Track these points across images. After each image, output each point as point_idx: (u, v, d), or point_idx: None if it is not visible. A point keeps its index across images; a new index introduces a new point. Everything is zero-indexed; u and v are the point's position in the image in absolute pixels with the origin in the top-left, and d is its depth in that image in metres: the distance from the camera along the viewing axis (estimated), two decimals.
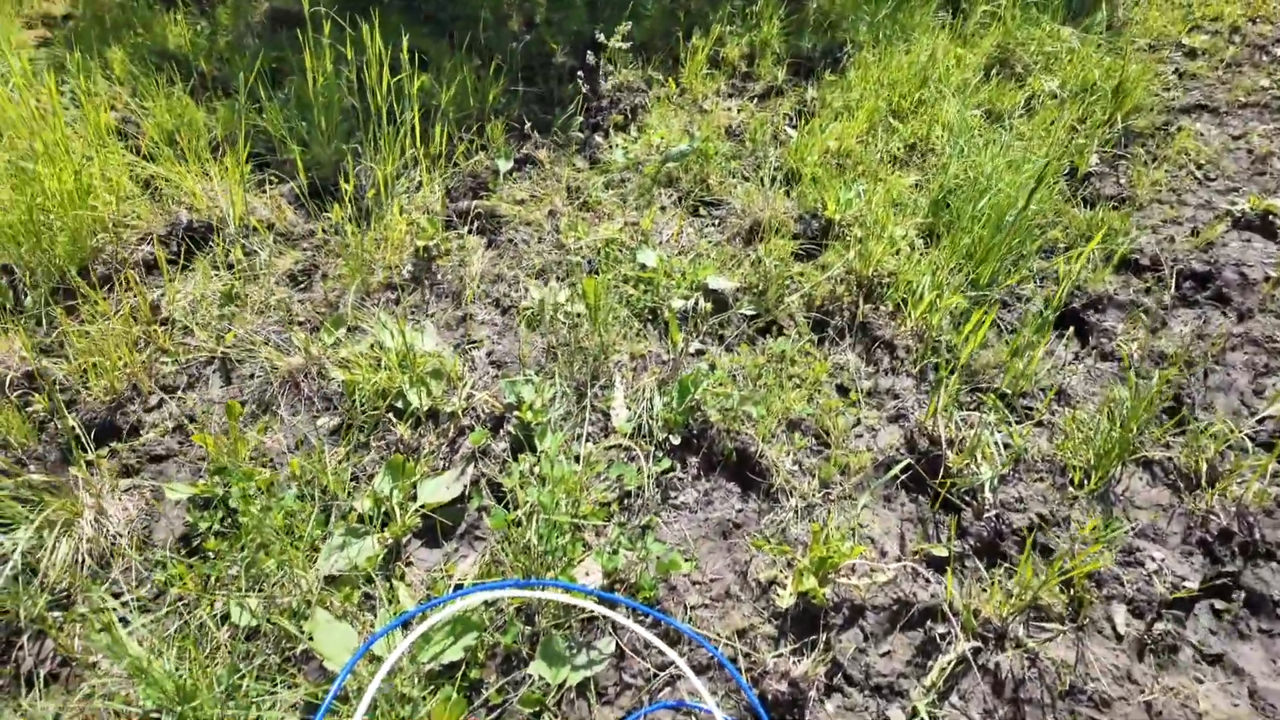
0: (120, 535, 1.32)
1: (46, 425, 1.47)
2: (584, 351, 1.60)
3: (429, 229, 1.86)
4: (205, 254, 1.82)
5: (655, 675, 1.15)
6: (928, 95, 2.43)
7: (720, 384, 1.51)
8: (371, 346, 1.56)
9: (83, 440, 1.45)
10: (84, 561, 1.28)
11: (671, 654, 1.03)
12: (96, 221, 1.80)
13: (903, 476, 1.45)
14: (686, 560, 1.26)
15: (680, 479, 1.44)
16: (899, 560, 1.32)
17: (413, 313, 1.72)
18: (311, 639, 1.07)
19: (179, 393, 1.55)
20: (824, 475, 1.43)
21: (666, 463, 1.40)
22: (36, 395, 1.51)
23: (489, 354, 1.63)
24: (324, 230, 1.91)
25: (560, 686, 1.10)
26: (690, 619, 1.22)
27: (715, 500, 1.41)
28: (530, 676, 1.12)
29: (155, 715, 1.02)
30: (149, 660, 1.02)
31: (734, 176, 2.15)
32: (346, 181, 1.94)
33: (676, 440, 1.46)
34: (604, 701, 1.12)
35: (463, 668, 1.11)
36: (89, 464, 1.42)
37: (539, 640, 1.13)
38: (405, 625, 1.13)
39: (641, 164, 2.17)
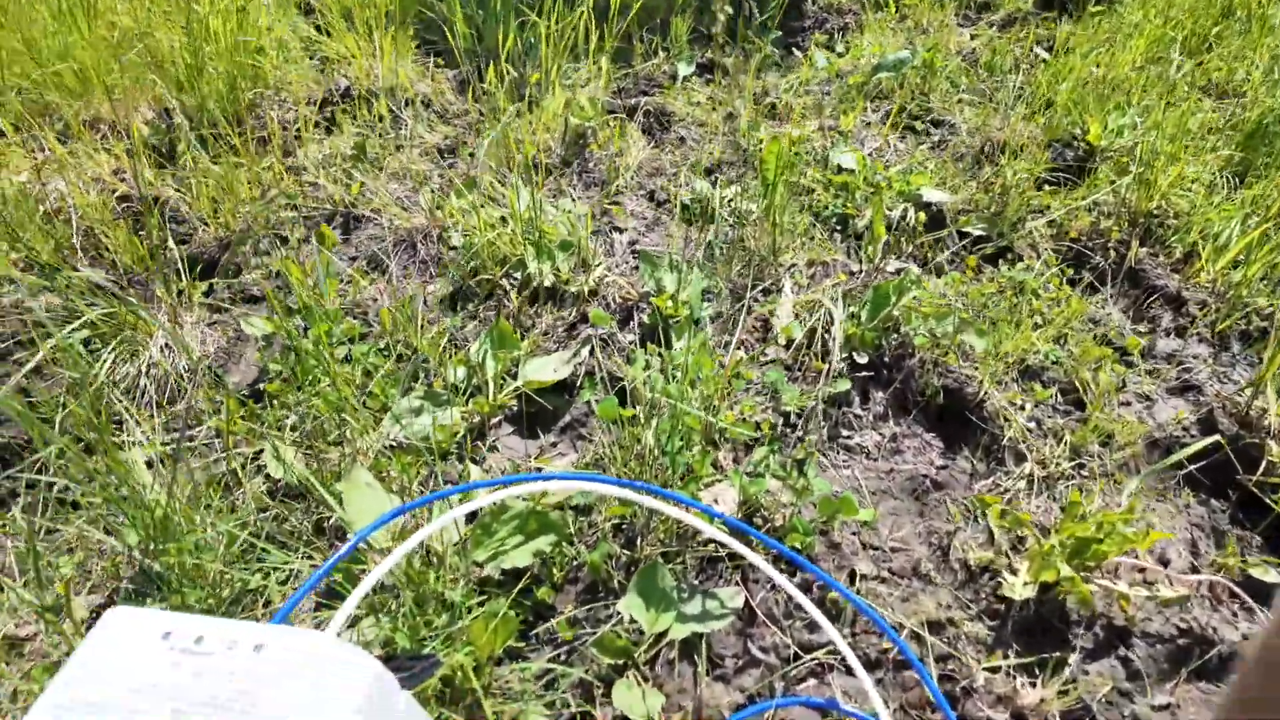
0: (193, 371, 1.15)
1: (156, 254, 1.35)
2: (748, 252, 1.26)
3: (589, 110, 1.60)
4: (355, 120, 1.67)
5: (795, 657, 0.78)
6: (1231, 30, 1.87)
7: (929, 304, 1.12)
8: (502, 219, 1.31)
9: (183, 272, 1.30)
10: (145, 389, 1.11)
11: (831, 631, 0.66)
12: (259, 77, 1.71)
13: (1190, 466, 0.98)
14: (864, 509, 0.88)
15: (858, 416, 1.06)
16: (1193, 573, 0.87)
17: (555, 194, 1.46)
18: (340, 500, 0.80)
19: (292, 242, 1.37)
20: (1077, 441, 0.99)
21: (844, 385, 1.02)
22: (152, 221, 1.39)
23: (631, 242, 1.33)
24: (479, 111, 1.71)
25: (658, 638, 0.76)
26: (858, 593, 0.84)
27: (907, 449, 1.02)
28: (618, 615, 0.79)
29: (144, 557, 0.79)
30: (142, 488, 0.80)
31: (962, 99, 1.74)
32: (514, 68, 1.74)
33: (862, 360, 1.09)
34: (717, 675, 0.76)
35: (527, 580, 0.80)
36: (181, 294, 1.26)
37: (637, 570, 0.79)
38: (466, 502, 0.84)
39: (846, 74, 1.80)
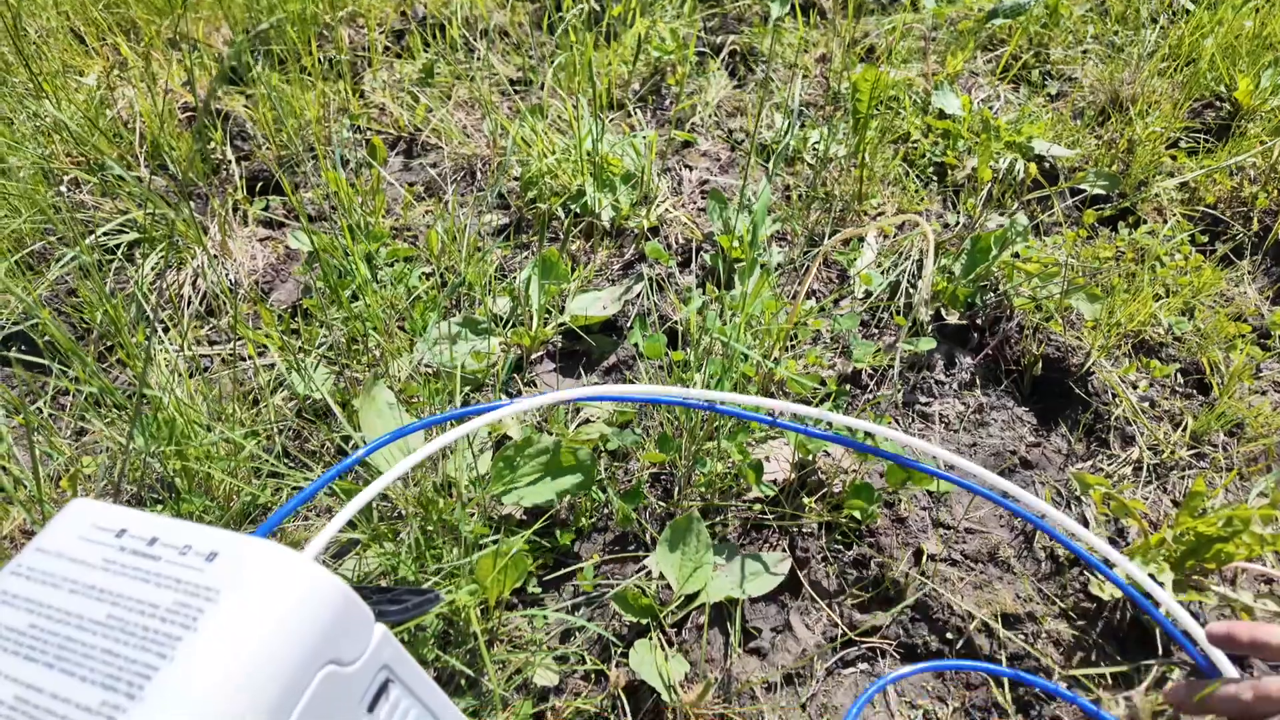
0: (239, 284, 1.12)
1: (219, 169, 1.33)
2: (829, 198, 1.14)
3: (669, 44, 1.49)
4: (427, 47, 1.61)
5: (847, 644, 0.68)
6: None
7: (1035, 262, 0.98)
8: (565, 150, 1.22)
9: (240, 187, 1.28)
10: (189, 298, 1.08)
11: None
12: (336, 3, 1.67)
13: None
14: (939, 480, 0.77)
15: (940, 381, 0.94)
16: None
17: (625, 128, 1.37)
18: (355, 417, 0.74)
19: (351, 164, 1.33)
20: (1199, 427, 0.85)
21: (928, 344, 0.90)
22: (216, 135, 1.37)
23: (702, 181, 1.23)
24: (554, 43, 1.63)
25: (688, 600, 0.68)
26: (922, 574, 0.73)
27: (994, 422, 0.89)
28: (646, 570, 0.71)
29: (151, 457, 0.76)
30: (161, 390, 0.76)
31: (1087, 50, 1.55)
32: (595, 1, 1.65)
33: (951, 320, 0.96)
34: (751, 648, 0.68)
35: (546, 521, 0.73)
36: (235, 209, 1.24)
37: (671, 521, 0.71)
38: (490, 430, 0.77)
39: (955, 21, 1.63)
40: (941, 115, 1.29)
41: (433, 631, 0.61)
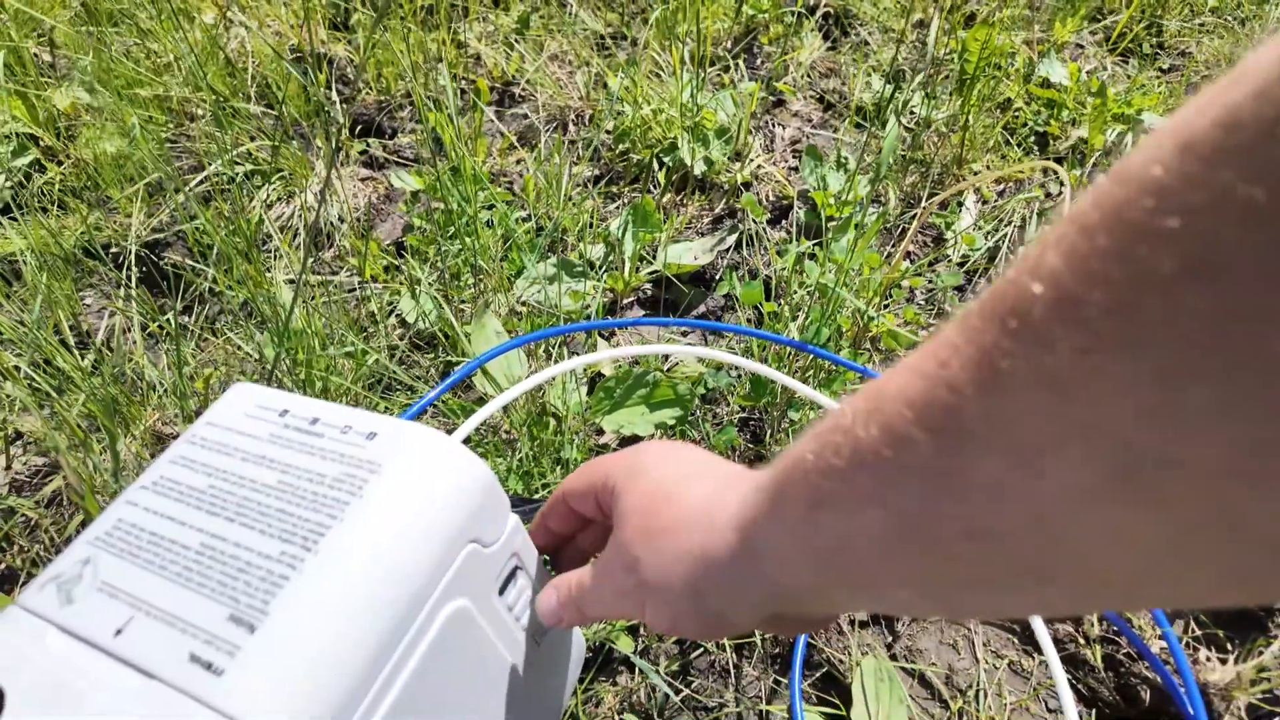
0: (342, 220, 1.16)
1: (321, 110, 1.38)
2: (927, 162, 1.13)
3: (763, 2, 1.47)
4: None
5: None
6: None
7: None
8: (661, 102, 1.23)
9: (342, 128, 1.32)
10: (297, 231, 1.13)
11: None
12: None
13: None
14: None
15: None
16: None
17: (718, 85, 1.37)
18: (460, 343, 0.78)
19: (451, 110, 1.36)
20: None
21: None
22: (319, 76, 1.41)
23: (793, 140, 1.22)
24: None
25: None
26: None
27: None
28: None
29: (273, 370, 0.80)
30: (283, 308, 0.80)
31: (1204, 26, 1.48)
32: None
33: None
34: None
35: None
36: (338, 149, 1.28)
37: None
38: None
39: None
40: (1046, 84, 1.26)
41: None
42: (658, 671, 0.59)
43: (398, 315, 0.93)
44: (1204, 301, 0.15)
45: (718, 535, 0.34)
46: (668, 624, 0.38)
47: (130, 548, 0.41)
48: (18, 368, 0.83)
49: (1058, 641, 0.66)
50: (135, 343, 0.91)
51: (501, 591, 0.47)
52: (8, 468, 0.83)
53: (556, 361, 0.76)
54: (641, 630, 0.64)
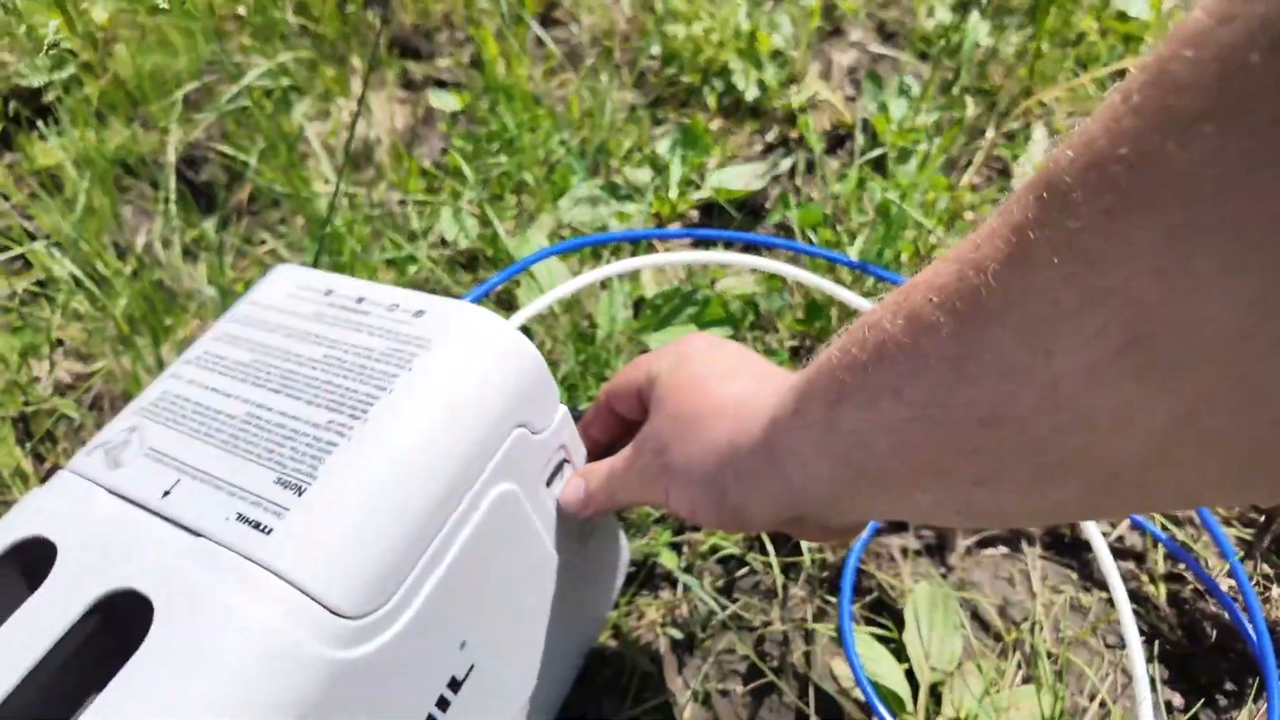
0: (380, 140, 1.14)
1: (358, 29, 1.34)
2: (993, 92, 1.07)
3: None
4: None
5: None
6: None
7: None
8: (709, 29, 1.18)
9: (380, 49, 1.29)
10: (333, 150, 1.11)
11: None
12: None
13: None
14: None
15: None
16: None
17: (774, 7, 1.31)
18: (501, 261, 0.75)
19: (489, 29, 1.32)
20: None
21: None
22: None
23: (851, 69, 1.17)
24: None
25: None
26: None
27: None
28: None
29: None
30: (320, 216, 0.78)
31: None
32: None
33: None
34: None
35: None
36: (375, 67, 1.25)
37: None
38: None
39: None
40: (1123, 18, 1.18)
41: None
42: (703, 587, 0.58)
43: (437, 236, 0.91)
44: (1221, 144, 0.15)
45: (744, 431, 0.34)
46: (687, 510, 0.38)
47: (176, 417, 0.40)
48: (66, 277, 0.82)
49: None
50: (174, 253, 0.90)
51: (549, 483, 0.45)
52: (51, 371, 0.83)
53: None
54: (686, 548, 0.62)
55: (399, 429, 0.36)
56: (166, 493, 0.36)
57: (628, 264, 0.57)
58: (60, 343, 0.87)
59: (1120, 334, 0.18)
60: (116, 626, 0.33)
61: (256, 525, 0.33)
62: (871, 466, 0.28)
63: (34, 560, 0.35)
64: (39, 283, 0.86)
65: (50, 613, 0.32)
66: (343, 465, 0.35)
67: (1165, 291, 0.17)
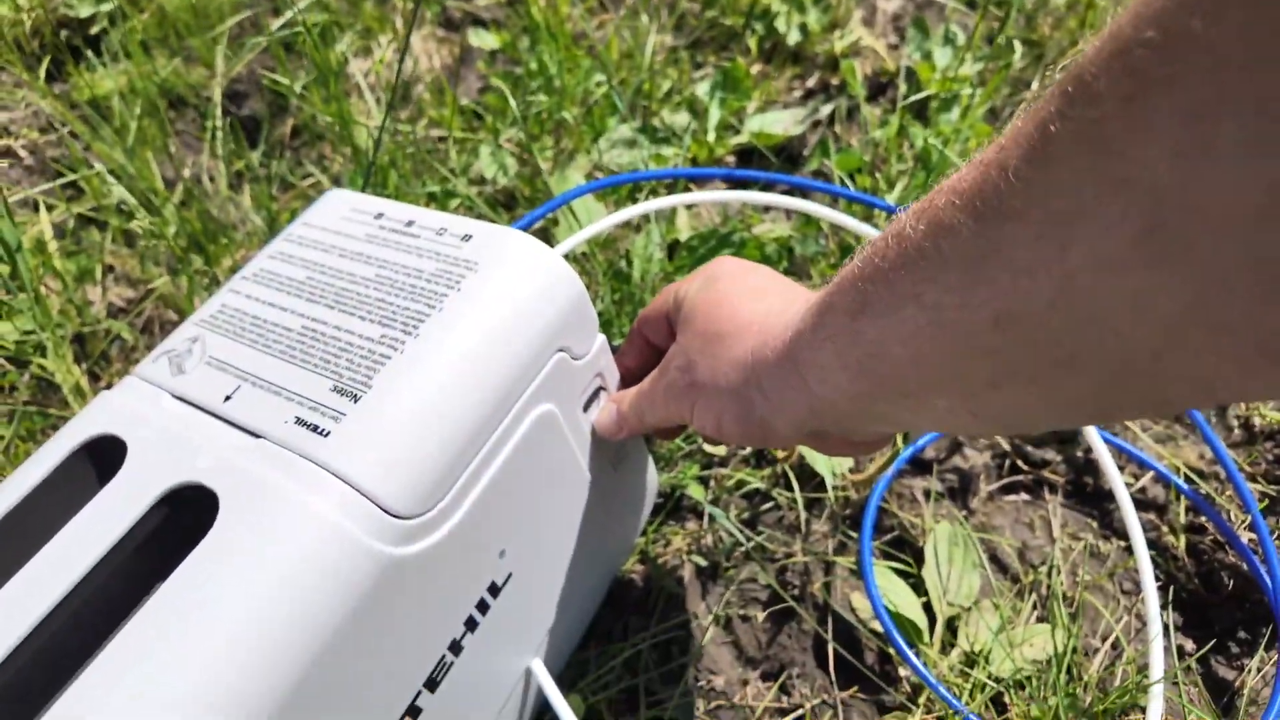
0: (420, 77, 1.14)
1: None
2: (1041, 44, 1.04)
3: None
4: None
5: (1014, 471, 0.68)
6: None
7: None
8: None
9: None
10: (374, 86, 1.12)
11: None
12: None
13: None
14: None
15: None
16: None
17: None
18: (539, 200, 0.76)
19: None
20: None
21: None
22: None
23: (894, 16, 1.14)
24: None
25: None
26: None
27: None
28: None
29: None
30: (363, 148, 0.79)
31: None
32: None
33: None
34: (919, 460, 0.68)
35: None
36: (417, 5, 1.24)
37: None
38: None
39: None
40: None
41: None
42: (728, 518, 0.60)
43: (476, 175, 0.92)
44: (1250, 18, 0.14)
45: (769, 345, 0.35)
46: (713, 425, 0.39)
47: (235, 329, 0.42)
48: (119, 204, 0.85)
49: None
50: (221, 183, 0.92)
51: (585, 408, 0.47)
52: (104, 295, 0.86)
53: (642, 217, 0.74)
54: (713, 482, 0.64)
55: (449, 345, 0.38)
56: (228, 398, 0.38)
57: (665, 201, 0.58)
58: (111, 269, 0.90)
59: (1137, 222, 0.18)
60: (180, 525, 0.35)
61: (315, 429, 0.35)
62: (891, 375, 0.28)
63: (105, 457, 0.38)
64: (92, 209, 0.89)
65: (122, 504, 0.35)
66: (396, 376, 0.37)
67: (1184, 174, 0.17)
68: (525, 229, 0.60)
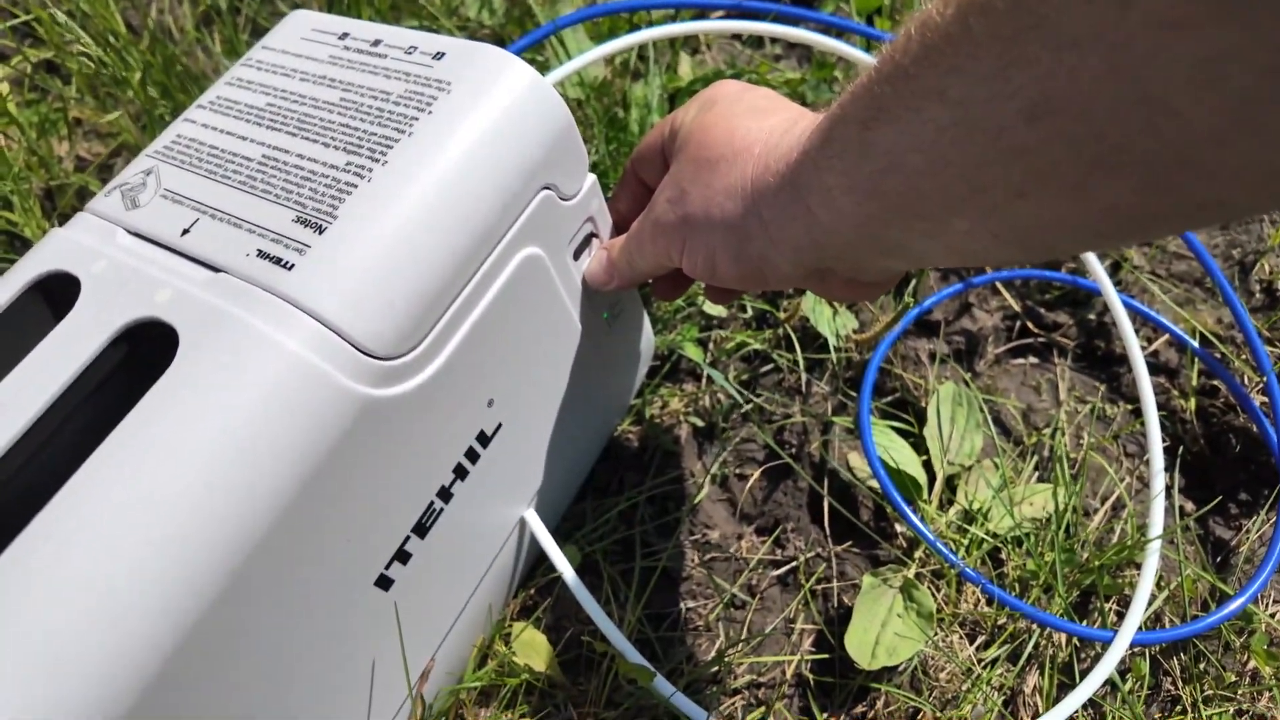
0: None
1: None
2: None
3: None
4: None
5: (1024, 334, 0.65)
6: None
7: None
8: None
9: None
10: None
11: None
12: None
13: None
14: None
15: None
16: None
17: None
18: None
19: None
20: None
21: None
22: None
23: None
24: None
25: None
26: (1119, 285, 0.68)
27: None
28: None
29: None
30: None
31: None
32: None
33: None
34: (926, 322, 0.65)
35: None
36: None
37: None
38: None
39: None
40: None
41: None
42: (727, 380, 0.58)
43: (461, 19, 0.85)
44: None
45: (770, 169, 0.31)
46: (704, 264, 0.36)
47: (191, 160, 0.38)
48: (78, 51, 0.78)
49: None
50: (188, 24, 0.85)
51: (576, 256, 0.44)
52: (71, 149, 0.81)
53: (640, 58, 0.68)
54: (712, 344, 0.62)
55: (420, 172, 0.34)
56: (186, 231, 0.35)
57: (660, 30, 0.52)
58: (79, 122, 0.84)
59: None
60: (139, 363, 0.33)
61: (278, 261, 0.33)
62: (904, 191, 0.25)
63: (59, 296, 0.35)
64: (52, 57, 0.83)
65: (76, 341, 0.32)
66: (363, 206, 0.34)
67: None
68: (537, 41, 0.55)
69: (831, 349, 0.59)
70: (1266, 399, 0.59)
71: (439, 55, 0.38)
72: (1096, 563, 0.50)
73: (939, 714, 0.47)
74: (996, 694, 0.48)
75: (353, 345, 0.32)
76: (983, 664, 0.49)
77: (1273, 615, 0.53)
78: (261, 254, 0.33)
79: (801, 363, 0.60)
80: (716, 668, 0.48)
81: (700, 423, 0.59)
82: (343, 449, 0.32)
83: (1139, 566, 0.51)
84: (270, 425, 0.30)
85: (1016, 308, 0.66)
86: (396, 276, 0.33)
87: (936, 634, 0.49)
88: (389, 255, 0.33)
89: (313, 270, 0.32)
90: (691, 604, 0.51)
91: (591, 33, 0.72)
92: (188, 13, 0.86)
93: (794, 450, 0.58)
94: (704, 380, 0.60)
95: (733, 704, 0.48)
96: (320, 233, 0.33)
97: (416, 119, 0.36)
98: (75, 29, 0.75)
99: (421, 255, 0.33)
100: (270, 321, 0.31)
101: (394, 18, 0.79)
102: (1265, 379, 0.58)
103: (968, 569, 0.49)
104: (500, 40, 0.83)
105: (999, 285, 0.67)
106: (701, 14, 0.70)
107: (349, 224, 0.33)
